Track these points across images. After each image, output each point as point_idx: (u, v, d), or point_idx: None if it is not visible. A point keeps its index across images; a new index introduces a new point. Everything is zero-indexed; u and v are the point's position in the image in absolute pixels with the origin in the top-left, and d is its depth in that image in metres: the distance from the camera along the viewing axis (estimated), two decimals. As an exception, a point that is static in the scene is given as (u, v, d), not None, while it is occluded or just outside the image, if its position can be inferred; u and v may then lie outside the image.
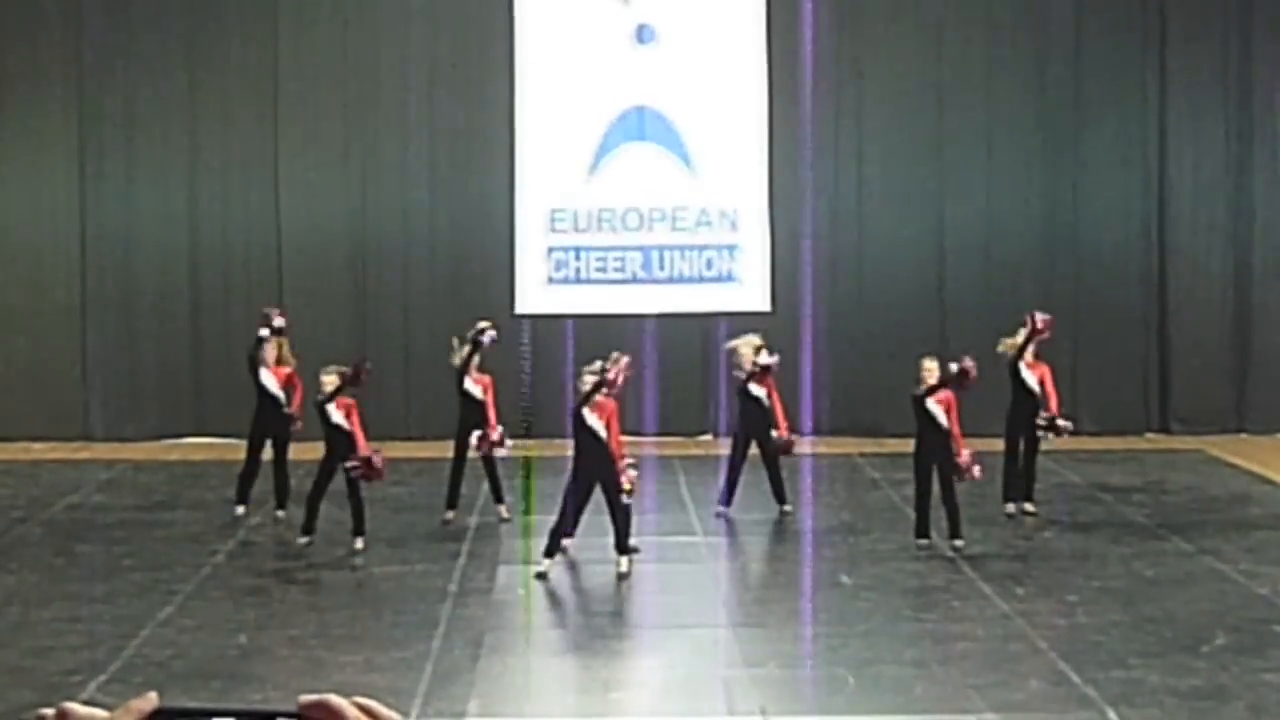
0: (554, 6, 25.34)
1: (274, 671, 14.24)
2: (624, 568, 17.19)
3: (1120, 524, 19.61)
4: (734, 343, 20.36)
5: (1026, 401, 19.68)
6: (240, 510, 19.79)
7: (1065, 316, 25.07)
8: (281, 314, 20.27)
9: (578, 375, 17.98)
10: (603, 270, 25.39)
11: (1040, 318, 19.75)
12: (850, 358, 25.27)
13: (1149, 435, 25.59)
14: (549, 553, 17.17)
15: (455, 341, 19.92)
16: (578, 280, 25.38)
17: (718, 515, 19.90)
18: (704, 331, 25.13)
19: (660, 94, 25.31)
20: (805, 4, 25.22)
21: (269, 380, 19.68)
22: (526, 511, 20.05)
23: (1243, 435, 25.50)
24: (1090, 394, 25.29)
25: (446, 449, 19.91)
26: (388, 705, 1.66)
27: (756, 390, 19.80)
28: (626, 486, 17.14)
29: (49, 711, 1.61)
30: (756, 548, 19.29)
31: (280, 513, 19.74)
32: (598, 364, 17.54)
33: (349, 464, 17.86)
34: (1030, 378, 19.64)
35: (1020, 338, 19.82)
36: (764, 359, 19.66)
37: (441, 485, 19.90)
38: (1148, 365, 25.85)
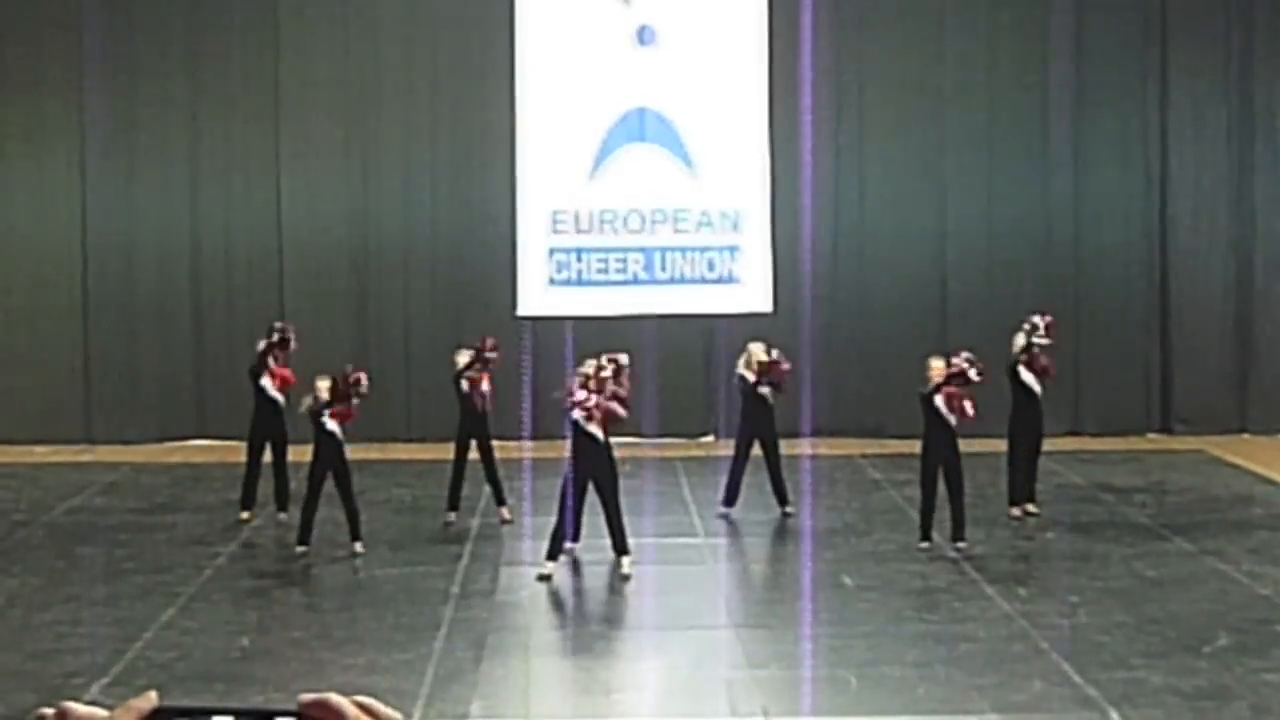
0: (555, 8, 25.33)
1: (276, 673, 14.25)
2: (626, 569, 17.19)
3: (1122, 524, 19.61)
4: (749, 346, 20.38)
5: (1028, 403, 19.66)
6: (246, 515, 19.79)
7: (1067, 317, 25.08)
8: (289, 330, 20.18)
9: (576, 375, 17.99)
10: (604, 272, 25.38)
11: (1042, 322, 19.69)
12: (852, 359, 25.27)
13: (1151, 436, 25.59)
14: (551, 555, 17.18)
15: (461, 352, 19.88)
16: (579, 282, 25.37)
17: (720, 516, 19.91)
18: (705, 333, 25.14)
19: (661, 95, 25.31)
20: (806, 5, 25.20)
21: (267, 384, 19.70)
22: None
23: (1244, 436, 25.50)
24: (1092, 395, 25.31)
25: (448, 451, 19.92)
26: (389, 706, 1.65)
27: (760, 388, 19.83)
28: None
29: (50, 712, 1.61)
30: (758, 549, 19.29)
31: (282, 515, 19.77)
32: (590, 363, 17.59)
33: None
34: (1031, 379, 19.60)
35: (1020, 340, 19.79)
36: (775, 355, 19.78)
37: (443, 487, 19.91)
38: (1149, 366, 25.85)
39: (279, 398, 19.72)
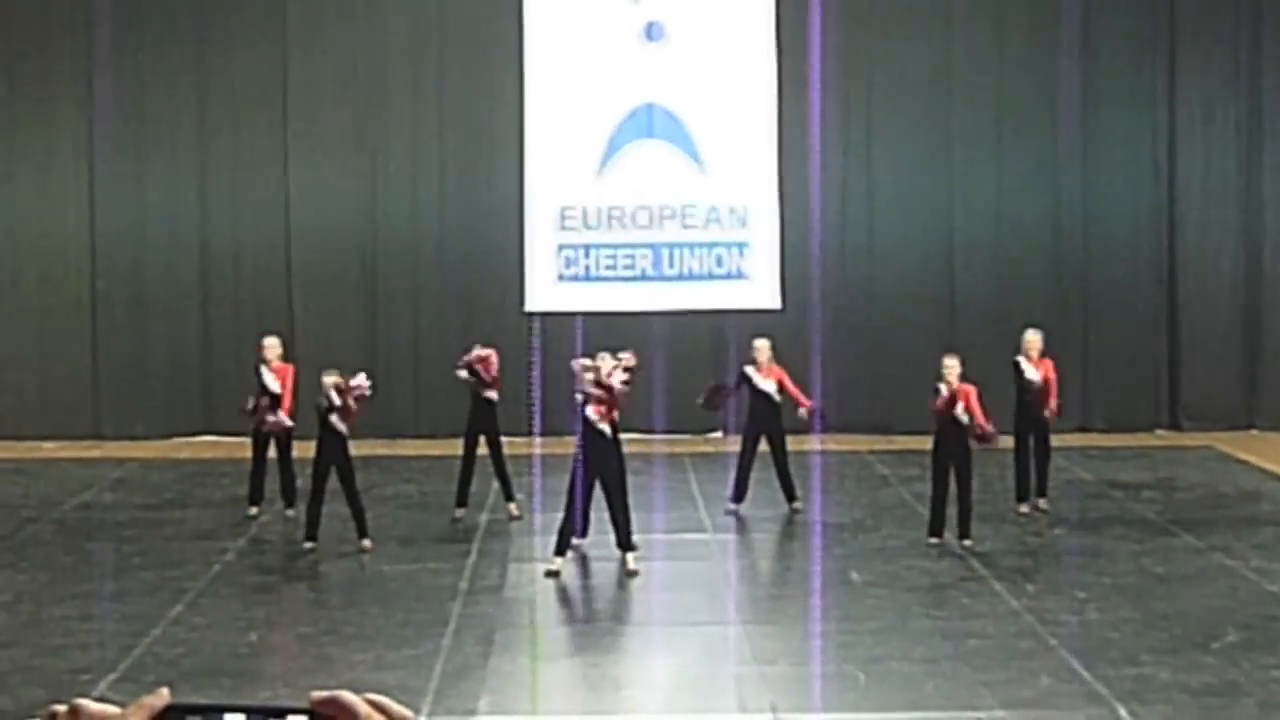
0: (563, 4, 25.33)
1: (284, 669, 14.26)
2: (632, 565, 17.20)
3: (1130, 521, 19.60)
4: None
5: (1032, 398, 19.62)
6: (253, 510, 19.84)
7: (1075, 314, 25.15)
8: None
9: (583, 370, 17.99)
10: (612, 268, 25.38)
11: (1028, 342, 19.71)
12: (860, 355, 25.27)
13: (1159, 432, 25.58)
14: (559, 551, 17.19)
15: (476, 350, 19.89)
16: (587, 278, 25.37)
17: (728, 512, 19.91)
18: (714, 329, 25.13)
19: (670, 91, 25.30)
20: (815, 1, 25.20)
21: (270, 379, 19.68)
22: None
23: (1253, 432, 25.49)
24: (1101, 391, 25.30)
25: (456, 447, 19.93)
26: (398, 702, 1.66)
27: (765, 385, 19.85)
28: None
29: (62, 708, 1.61)
30: (766, 545, 19.29)
31: (290, 511, 19.78)
32: (604, 358, 17.62)
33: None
34: (1033, 374, 19.56)
35: (1027, 337, 19.72)
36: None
37: (451, 483, 19.92)
38: (1158, 362, 25.83)
39: (280, 393, 19.68)
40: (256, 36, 25.44)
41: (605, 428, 17.17)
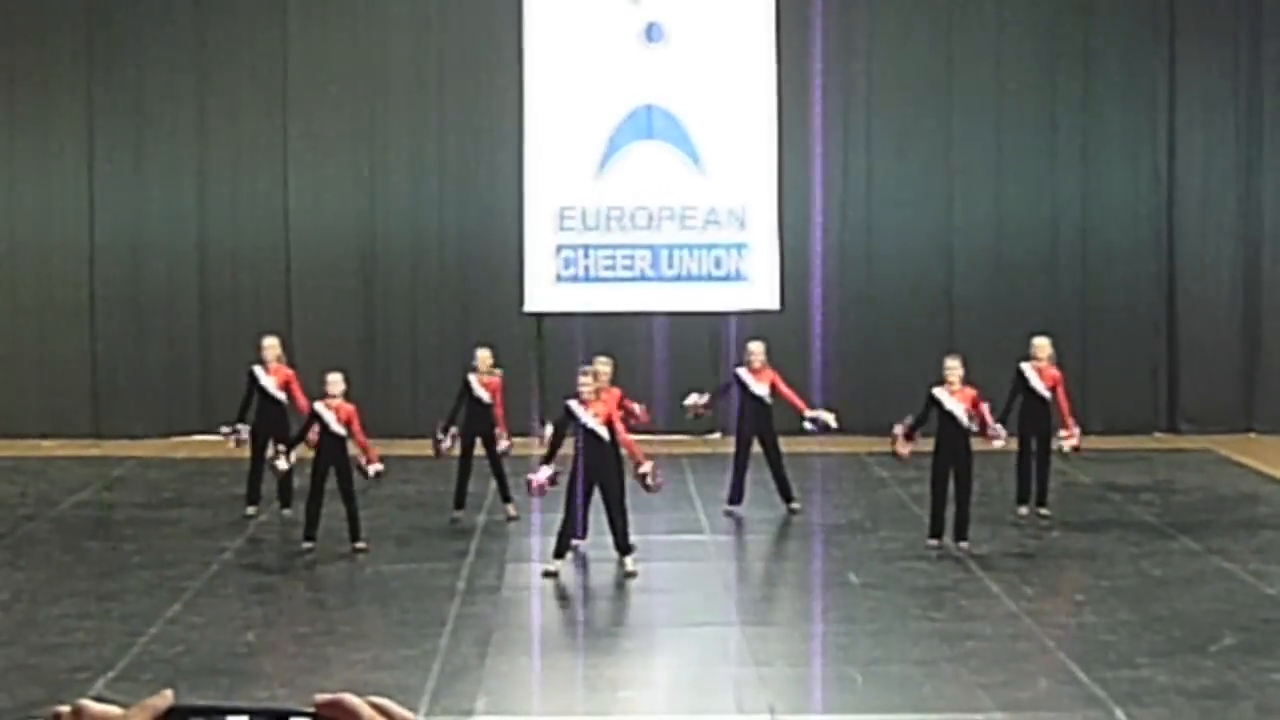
0: (563, 5, 25.34)
1: (281, 669, 14.26)
2: (630, 567, 17.19)
3: (1129, 523, 19.60)
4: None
5: (1035, 403, 19.60)
6: (251, 510, 19.84)
7: (1074, 316, 25.14)
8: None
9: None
10: (611, 268, 25.39)
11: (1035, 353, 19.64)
12: (859, 356, 25.27)
13: (1158, 435, 25.58)
14: (558, 553, 17.18)
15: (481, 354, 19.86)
16: (586, 278, 25.38)
17: (726, 513, 19.91)
18: (713, 330, 25.13)
19: (669, 92, 25.31)
20: (815, 2, 25.21)
21: (268, 381, 19.68)
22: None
23: (1251, 435, 25.49)
24: (1099, 394, 25.29)
25: (454, 447, 19.88)
26: (396, 703, 1.66)
27: (758, 388, 19.83)
28: (648, 478, 17.21)
29: (65, 709, 1.61)
30: (764, 546, 19.28)
31: (286, 511, 19.79)
32: (599, 364, 17.72)
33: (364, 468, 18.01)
34: (1037, 381, 19.50)
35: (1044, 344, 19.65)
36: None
37: (449, 483, 19.92)
38: (1156, 365, 25.84)
39: (279, 395, 19.71)
40: (256, 37, 25.44)
41: (603, 431, 17.16)
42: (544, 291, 25.31)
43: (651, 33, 25.33)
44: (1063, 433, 19.53)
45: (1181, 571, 17.32)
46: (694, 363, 24.99)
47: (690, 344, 25.12)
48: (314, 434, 18.19)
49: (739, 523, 19.76)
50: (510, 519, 19.63)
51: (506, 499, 19.80)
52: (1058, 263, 25.60)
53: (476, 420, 19.63)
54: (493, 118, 25.36)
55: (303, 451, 19.68)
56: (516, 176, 25.28)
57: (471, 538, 18.95)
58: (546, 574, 17.07)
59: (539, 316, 25.22)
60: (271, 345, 19.88)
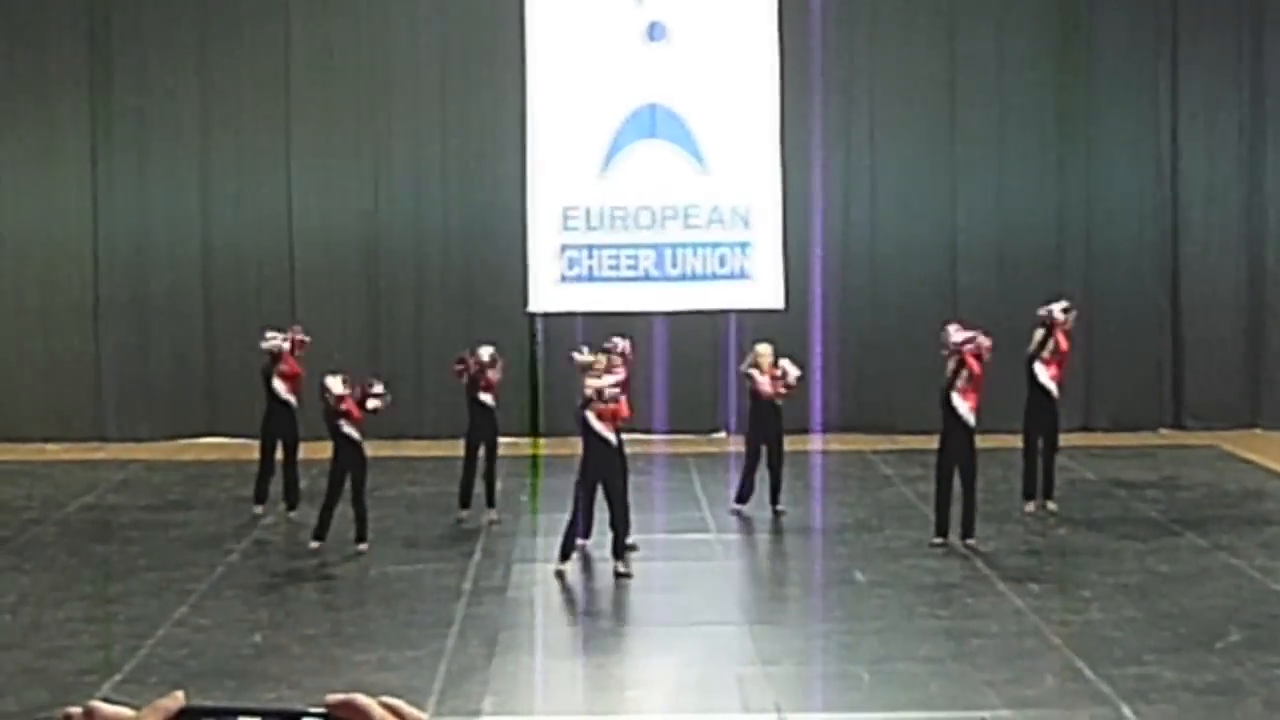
0: (565, 4, 25.34)
1: (288, 670, 14.26)
2: (624, 568, 17.14)
3: (1134, 520, 19.59)
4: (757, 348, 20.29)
5: (1043, 400, 19.58)
6: (259, 509, 19.85)
7: (1079, 314, 25.07)
8: (294, 335, 20.24)
9: (581, 373, 18.02)
10: (615, 268, 25.39)
11: (1057, 312, 19.65)
12: (863, 354, 25.27)
13: (1163, 431, 25.57)
14: (564, 554, 17.19)
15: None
16: (590, 278, 25.38)
17: (733, 512, 19.90)
18: (717, 329, 25.13)
19: (672, 91, 25.31)
20: (816, 1, 25.21)
21: (279, 385, 19.70)
22: (534, 510, 20.10)
23: (1256, 430, 25.47)
24: (1104, 390, 25.29)
25: (459, 448, 19.90)
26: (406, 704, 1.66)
27: (766, 389, 19.76)
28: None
29: (76, 710, 1.61)
30: (770, 545, 19.27)
31: (292, 513, 19.80)
32: (597, 357, 17.70)
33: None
34: (1047, 379, 19.50)
35: (1038, 336, 19.75)
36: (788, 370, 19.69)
37: (454, 483, 19.94)
38: (1161, 361, 25.82)
39: (291, 399, 19.74)
40: (259, 38, 25.43)
41: (610, 435, 17.10)
42: (548, 291, 25.32)
43: (654, 32, 25.33)
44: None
45: (1187, 568, 17.32)
46: (698, 362, 25.01)
47: (694, 343, 25.11)
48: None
49: (744, 521, 19.75)
50: (492, 523, 19.57)
51: (490, 504, 19.76)
52: (1062, 260, 25.58)
53: (480, 425, 19.59)
54: (496, 118, 25.36)
55: (308, 452, 19.73)
56: (520, 176, 25.29)
57: (477, 538, 18.95)
58: (559, 572, 17.10)
59: (538, 316, 25.20)
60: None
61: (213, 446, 24.64)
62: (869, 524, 19.51)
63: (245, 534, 19.24)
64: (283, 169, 25.43)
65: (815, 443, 22.92)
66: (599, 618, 16.31)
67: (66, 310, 25.39)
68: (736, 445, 21.06)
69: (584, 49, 25.28)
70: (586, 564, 17.68)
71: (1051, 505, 19.71)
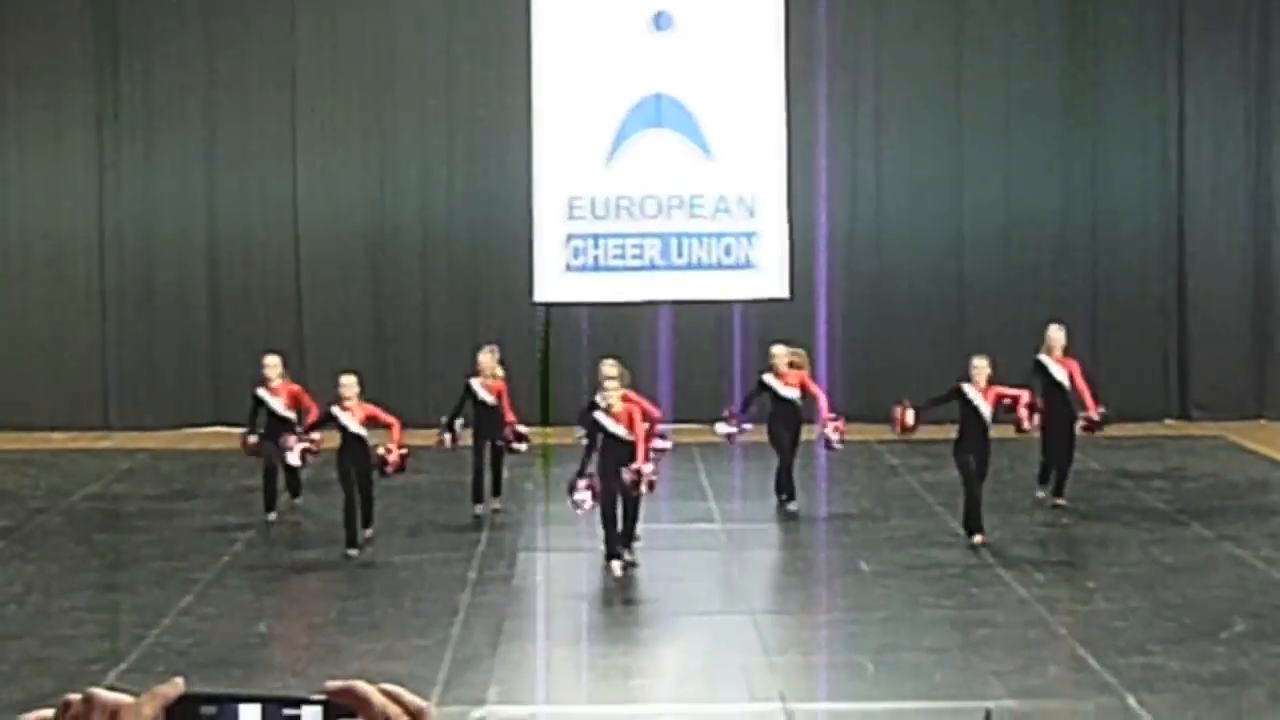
0: (571, -6, 25.35)
1: (294, 659, 14.28)
2: (630, 557, 17.00)
3: (1140, 510, 19.59)
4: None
5: (1057, 395, 19.35)
6: (272, 516, 19.35)
7: (1084, 303, 25.10)
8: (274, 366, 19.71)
9: (595, 366, 17.95)
10: (621, 257, 25.39)
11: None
12: (869, 344, 25.26)
13: (1168, 421, 25.56)
14: (612, 555, 16.89)
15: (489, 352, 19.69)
16: (596, 268, 25.38)
17: (786, 513, 19.45)
18: (722, 318, 25.12)
19: (678, 81, 25.30)
20: (823, -10, 25.20)
21: (275, 403, 19.20)
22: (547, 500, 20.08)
23: (1262, 421, 25.47)
24: (1110, 380, 25.20)
25: (465, 436, 19.71)
26: (409, 692, 1.66)
27: (788, 392, 19.55)
28: (641, 479, 16.84)
29: (75, 697, 1.61)
30: (775, 535, 19.25)
31: (296, 500, 19.73)
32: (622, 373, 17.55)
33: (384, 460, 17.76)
34: (1058, 371, 19.33)
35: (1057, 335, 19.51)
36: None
37: (460, 473, 19.92)
38: (1167, 352, 25.81)
39: (287, 414, 19.26)
40: (265, 27, 25.44)
41: (626, 434, 16.87)
42: (554, 281, 25.31)
43: (660, 21, 25.32)
44: (1093, 408, 19.40)
45: (1193, 558, 17.31)
46: (704, 351, 25.01)
47: (700, 332, 25.11)
48: (319, 435, 18.02)
49: (749, 511, 19.72)
50: (494, 512, 19.53)
51: (497, 493, 19.70)
52: (1068, 250, 25.56)
53: (485, 424, 19.43)
54: (501, 107, 25.35)
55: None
56: (526, 166, 25.29)
57: (482, 528, 18.95)
58: (627, 565, 16.88)
59: (547, 307, 25.20)
60: (273, 364, 19.22)
61: (218, 435, 24.62)
62: (874, 514, 19.51)
63: (250, 523, 19.23)
64: (289, 158, 25.44)
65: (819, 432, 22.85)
66: (604, 607, 16.31)
67: (72, 299, 25.41)
68: (742, 435, 20.91)
69: (590, 38, 25.27)
70: (592, 554, 17.63)
71: (1060, 502, 19.55)
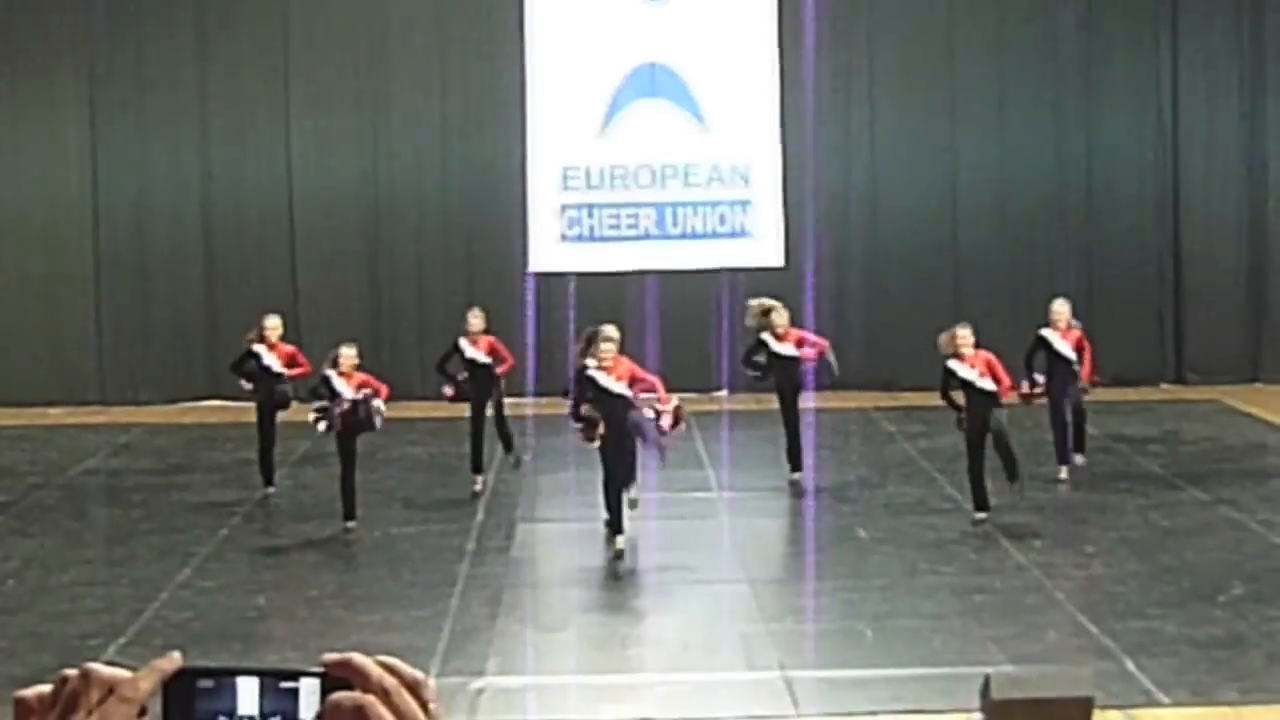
0: (563, -37, 25.29)
1: (292, 632, 14.30)
2: (634, 494, 16.73)
3: (1136, 475, 19.60)
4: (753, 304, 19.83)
5: (1062, 365, 19.19)
6: (271, 490, 19.34)
7: (1080, 268, 25.09)
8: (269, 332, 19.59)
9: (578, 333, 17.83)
10: (615, 227, 25.37)
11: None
12: (864, 312, 25.26)
13: (1164, 386, 25.57)
14: (616, 530, 16.75)
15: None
16: (591, 238, 25.37)
17: (791, 483, 19.37)
18: (718, 287, 25.10)
19: (671, 50, 25.26)
20: (815, -43, 25.14)
21: (271, 359, 19.11)
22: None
23: (1257, 385, 25.48)
24: (1105, 345, 25.20)
25: (462, 408, 19.58)
26: (408, 664, 1.66)
27: (783, 349, 19.39)
28: (677, 417, 16.72)
29: (72, 671, 1.61)
30: (772, 503, 19.25)
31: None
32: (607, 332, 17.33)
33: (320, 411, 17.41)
34: (1060, 343, 19.14)
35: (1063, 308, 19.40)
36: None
37: (457, 444, 19.91)
38: (1162, 316, 25.82)
39: (283, 370, 19.14)
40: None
41: (625, 391, 16.71)
42: (549, 251, 25.30)
43: (652, -10, 25.27)
44: (1087, 374, 19.27)
45: (1189, 522, 17.34)
46: (699, 320, 24.99)
47: (695, 302, 25.09)
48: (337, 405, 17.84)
49: (747, 480, 19.72)
50: (517, 464, 19.53)
51: (509, 449, 19.59)
52: (1062, 215, 25.55)
53: (481, 385, 19.24)
54: (495, 77, 25.30)
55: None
56: (520, 136, 25.25)
57: (480, 499, 18.95)
58: (632, 503, 16.75)
59: (542, 277, 25.19)
60: (275, 326, 19.14)
61: (214, 409, 24.63)
62: (871, 481, 19.52)
63: (248, 497, 19.24)
64: (282, 130, 25.40)
65: (816, 400, 22.86)
66: (602, 577, 16.32)
67: (67, 274, 25.38)
68: (737, 404, 20.96)
69: (583, 7, 25.23)
70: (591, 523, 17.63)
71: (1079, 459, 19.26)
